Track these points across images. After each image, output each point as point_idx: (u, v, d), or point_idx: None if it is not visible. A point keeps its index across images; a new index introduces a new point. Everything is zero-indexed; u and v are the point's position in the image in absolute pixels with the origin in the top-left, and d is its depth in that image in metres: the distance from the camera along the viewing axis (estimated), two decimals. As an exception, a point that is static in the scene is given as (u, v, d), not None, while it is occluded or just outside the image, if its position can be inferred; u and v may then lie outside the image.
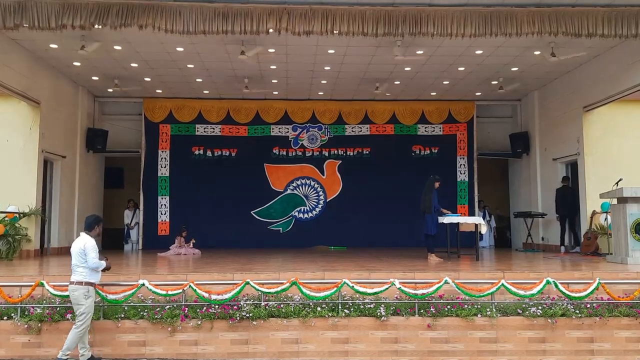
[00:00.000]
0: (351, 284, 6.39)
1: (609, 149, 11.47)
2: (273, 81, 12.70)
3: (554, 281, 6.46)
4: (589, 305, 6.39)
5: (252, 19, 8.33)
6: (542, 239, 13.27)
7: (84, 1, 8.02)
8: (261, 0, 8.25)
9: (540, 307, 6.34)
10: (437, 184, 9.99)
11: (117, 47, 10.29)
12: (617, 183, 9.75)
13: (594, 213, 11.10)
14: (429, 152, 14.58)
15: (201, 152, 14.34)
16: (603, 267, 8.09)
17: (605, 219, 10.77)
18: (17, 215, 10.45)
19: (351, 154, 14.63)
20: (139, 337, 6.18)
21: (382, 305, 6.33)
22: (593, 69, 11.08)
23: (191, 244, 12.03)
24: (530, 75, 12.19)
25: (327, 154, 14.62)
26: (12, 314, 6.19)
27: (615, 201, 9.13)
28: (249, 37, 9.43)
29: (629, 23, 8.39)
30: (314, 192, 14.57)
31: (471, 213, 14.04)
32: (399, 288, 6.39)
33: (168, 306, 6.28)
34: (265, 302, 6.35)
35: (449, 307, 6.36)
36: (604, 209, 10.78)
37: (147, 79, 12.50)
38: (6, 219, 10.27)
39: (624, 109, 11.67)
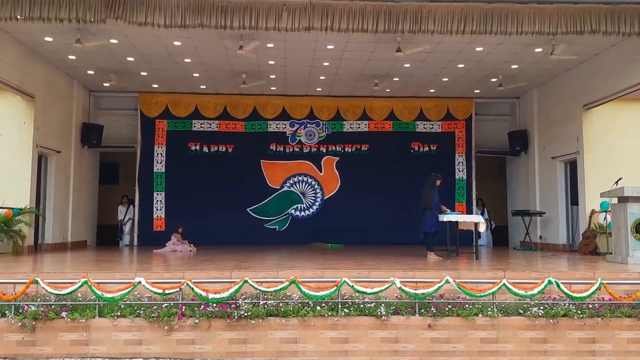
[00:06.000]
0: (351, 283, 6.30)
1: (608, 147, 11.42)
2: (271, 76, 12.58)
3: (555, 281, 6.39)
4: (590, 306, 6.33)
5: (250, 14, 8.23)
6: (540, 237, 13.23)
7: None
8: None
9: (541, 307, 6.28)
10: (438, 182, 9.93)
11: (113, 41, 10.14)
12: (616, 182, 9.71)
13: (592, 212, 11.07)
14: (427, 149, 14.50)
15: (197, 147, 14.21)
16: (603, 267, 8.05)
17: (605, 218, 10.73)
18: (19, 209, 10.33)
19: (349, 150, 14.51)
20: (135, 336, 6.06)
21: (383, 304, 6.25)
22: (593, 67, 11.02)
23: (191, 245, 11.87)
24: (530, 72, 12.11)
25: (324, 151, 14.49)
26: (6, 312, 6.07)
27: (615, 200, 9.08)
28: (247, 32, 9.30)
29: (631, 20, 8.32)
30: (311, 189, 14.45)
31: (469, 211, 13.99)
32: (400, 287, 6.30)
33: (165, 304, 6.17)
34: (264, 301, 6.26)
35: (449, 306, 6.28)
36: (603, 208, 10.74)
37: (144, 74, 12.35)
38: (2, 214, 10.12)
39: (625, 107, 11.60)
